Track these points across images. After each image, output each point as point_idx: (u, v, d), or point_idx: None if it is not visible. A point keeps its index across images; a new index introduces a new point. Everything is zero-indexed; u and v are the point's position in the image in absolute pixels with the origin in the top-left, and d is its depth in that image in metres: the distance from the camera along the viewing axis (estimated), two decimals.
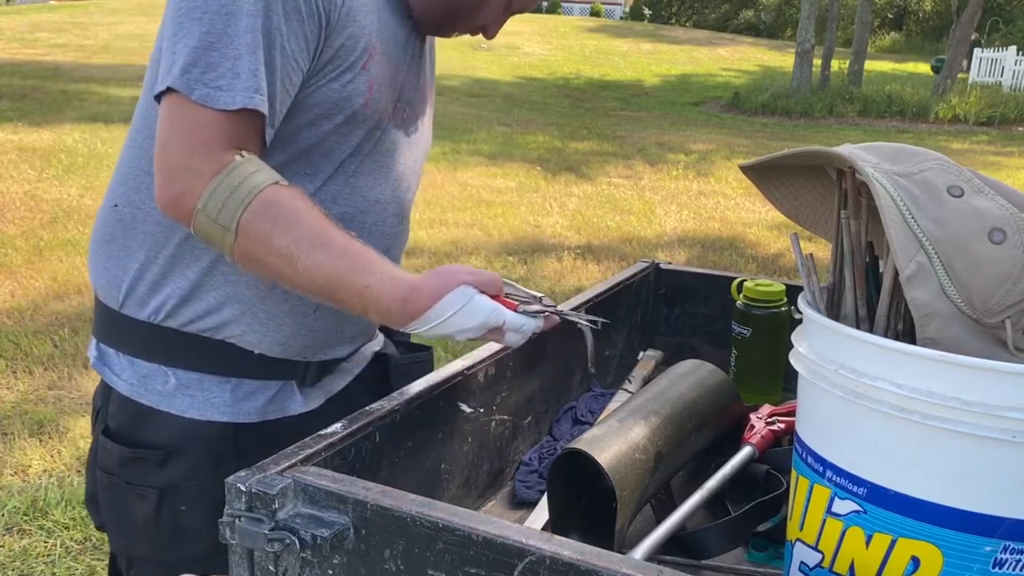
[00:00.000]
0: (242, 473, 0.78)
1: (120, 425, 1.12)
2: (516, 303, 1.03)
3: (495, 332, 1.01)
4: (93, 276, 1.16)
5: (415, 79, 1.20)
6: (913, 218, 0.77)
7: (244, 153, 0.98)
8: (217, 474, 1.03)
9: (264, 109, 0.98)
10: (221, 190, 0.95)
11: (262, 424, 1.14)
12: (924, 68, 21.26)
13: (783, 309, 1.43)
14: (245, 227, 0.95)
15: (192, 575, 1.09)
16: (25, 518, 2.55)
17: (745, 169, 0.98)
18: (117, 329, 1.13)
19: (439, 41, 1.31)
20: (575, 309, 1.38)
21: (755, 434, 1.21)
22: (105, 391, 1.15)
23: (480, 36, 1.20)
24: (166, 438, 1.10)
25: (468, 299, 0.97)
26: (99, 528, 1.21)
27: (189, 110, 0.96)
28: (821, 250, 4.46)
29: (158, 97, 0.99)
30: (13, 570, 2.33)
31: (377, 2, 1.10)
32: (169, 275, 1.09)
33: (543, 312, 1.05)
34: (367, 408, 0.96)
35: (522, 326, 1.02)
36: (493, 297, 1.01)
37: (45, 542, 2.45)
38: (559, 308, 1.09)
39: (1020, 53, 17.76)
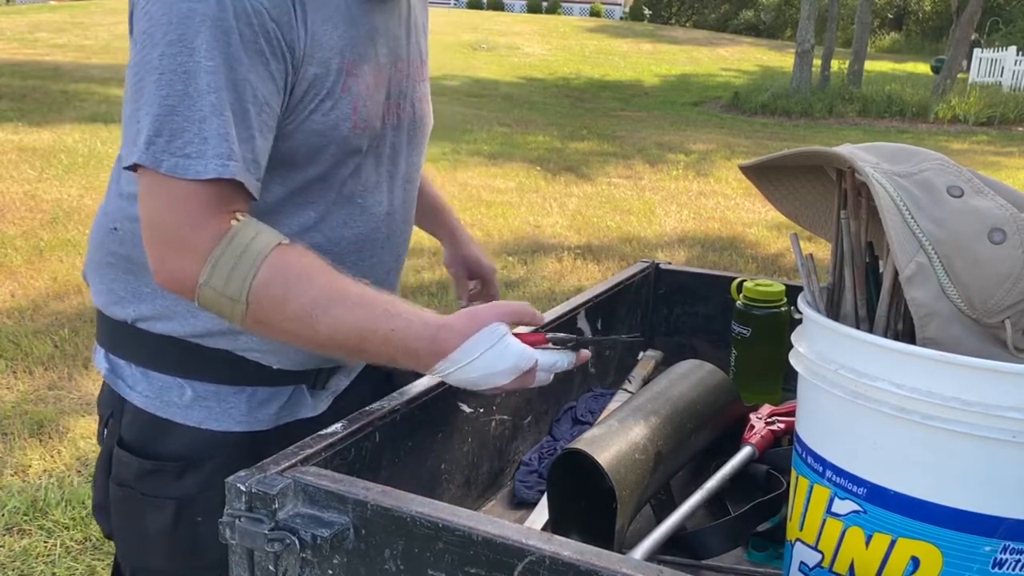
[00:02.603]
0: (242, 473, 0.78)
1: (136, 437, 1.11)
2: (544, 335, 1.00)
3: (526, 376, 0.96)
4: (96, 296, 1.13)
5: (404, 61, 1.13)
6: (913, 218, 0.77)
7: (239, 216, 0.93)
8: None
9: (240, 176, 0.92)
10: (224, 261, 0.91)
11: (274, 430, 1.13)
12: (924, 68, 21.27)
13: (783, 309, 1.43)
14: (256, 296, 0.91)
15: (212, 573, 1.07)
16: (25, 518, 2.55)
17: (745, 169, 0.98)
18: (129, 342, 1.11)
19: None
20: (577, 307, 1.38)
21: (755, 434, 1.21)
22: (117, 401, 1.12)
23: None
24: (183, 450, 1.09)
25: (499, 337, 0.94)
26: (108, 537, 1.20)
27: (163, 184, 0.91)
28: (821, 250, 4.46)
29: (130, 168, 0.94)
30: (13, 570, 2.33)
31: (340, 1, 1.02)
32: (182, 304, 1.06)
33: (574, 343, 1.01)
34: (367, 408, 0.96)
35: (554, 364, 0.98)
36: (524, 338, 0.98)
37: (45, 542, 2.45)
38: (588, 336, 1.05)
39: (1020, 53, 17.76)
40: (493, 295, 1.53)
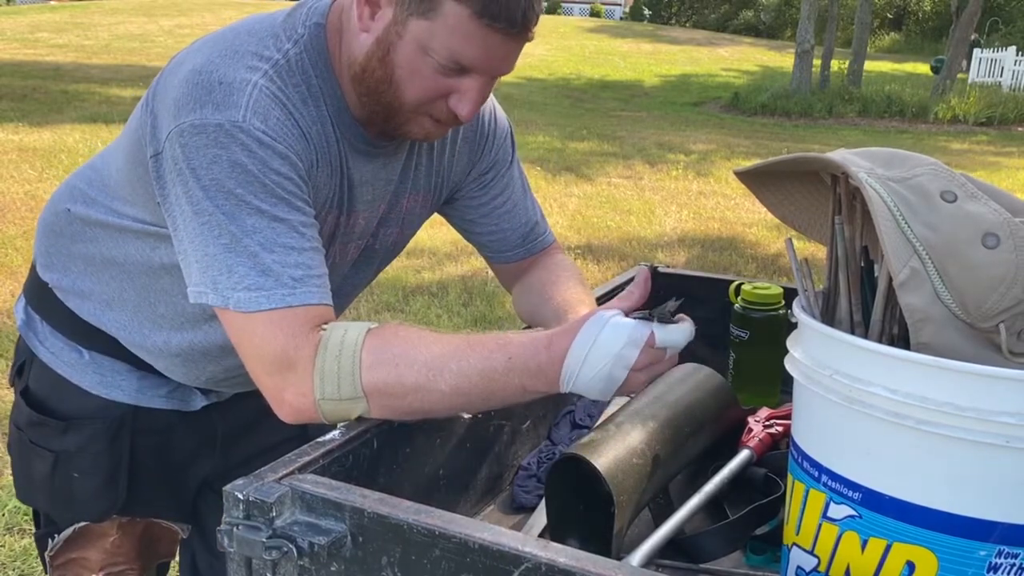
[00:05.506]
0: (239, 481, 0.78)
1: (37, 389, 1.21)
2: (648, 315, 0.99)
3: (650, 356, 0.97)
4: (36, 248, 1.22)
5: (380, 203, 1.15)
6: (907, 223, 0.78)
7: (324, 326, 0.94)
8: (112, 449, 1.16)
9: (302, 300, 0.93)
10: (327, 369, 0.91)
11: (163, 411, 1.20)
12: (924, 68, 21.25)
13: (781, 312, 1.43)
14: (371, 384, 0.92)
15: (87, 522, 1.20)
16: (25, 518, 2.55)
17: (740, 174, 0.98)
18: (47, 304, 1.20)
19: None
20: None
21: (753, 437, 1.21)
22: (29, 353, 1.22)
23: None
24: (70, 409, 1.18)
25: (604, 322, 0.95)
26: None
27: (239, 320, 0.93)
28: (820, 251, 4.46)
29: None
30: (13, 570, 2.34)
31: (339, 157, 1.05)
32: (97, 295, 1.15)
33: (676, 313, 1.02)
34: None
35: (669, 334, 0.99)
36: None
37: None
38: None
39: (1019, 53, 17.74)
40: None
